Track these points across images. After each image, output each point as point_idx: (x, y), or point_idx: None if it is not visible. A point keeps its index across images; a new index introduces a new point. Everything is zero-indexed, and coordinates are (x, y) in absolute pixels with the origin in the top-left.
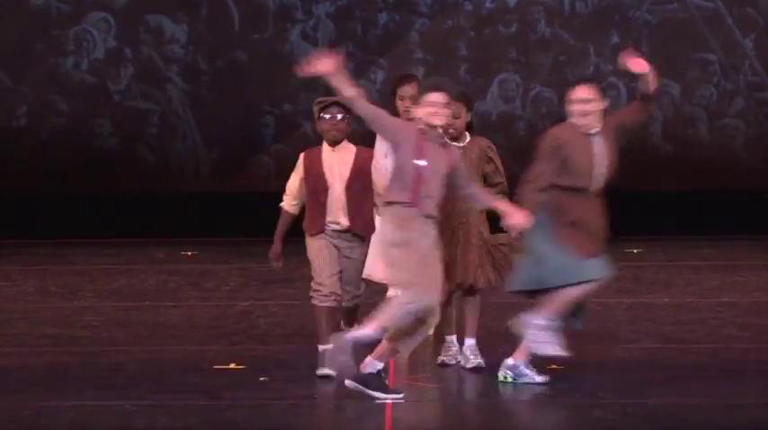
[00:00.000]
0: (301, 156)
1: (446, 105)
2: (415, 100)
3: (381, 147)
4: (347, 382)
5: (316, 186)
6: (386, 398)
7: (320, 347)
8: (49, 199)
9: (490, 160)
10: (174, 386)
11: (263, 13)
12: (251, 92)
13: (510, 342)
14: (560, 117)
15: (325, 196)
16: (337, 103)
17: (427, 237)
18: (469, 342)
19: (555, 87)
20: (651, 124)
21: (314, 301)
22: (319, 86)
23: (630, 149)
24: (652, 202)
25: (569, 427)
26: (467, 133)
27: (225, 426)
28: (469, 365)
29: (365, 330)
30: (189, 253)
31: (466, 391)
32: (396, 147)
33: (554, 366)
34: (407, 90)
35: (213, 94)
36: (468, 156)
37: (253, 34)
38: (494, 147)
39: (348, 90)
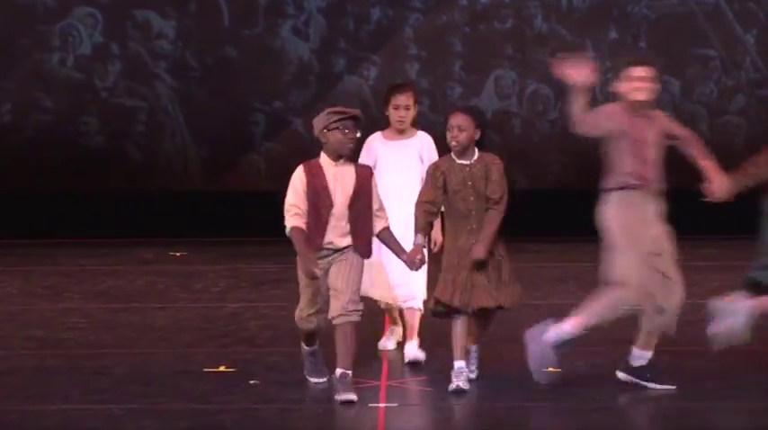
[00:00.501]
0: (300, 169)
1: (651, 80)
2: (410, 108)
3: (370, 159)
4: (620, 375)
5: (318, 202)
6: (661, 389)
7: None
8: (33, 198)
9: (489, 177)
10: (163, 389)
11: (253, 9)
12: (241, 89)
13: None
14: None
15: (329, 213)
16: (355, 118)
17: (655, 214)
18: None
19: (552, 84)
20: None
21: (297, 323)
22: (310, 84)
23: None
24: None
25: None
26: (475, 149)
27: None
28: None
29: (566, 328)
30: (178, 253)
31: (461, 395)
32: (610, 135)
33: (551, 369)
34: (402, 99)
35: (202, 91)
36: (474, 176)
37: (243, 30)
38: (499, 163)
39: (581, 107)
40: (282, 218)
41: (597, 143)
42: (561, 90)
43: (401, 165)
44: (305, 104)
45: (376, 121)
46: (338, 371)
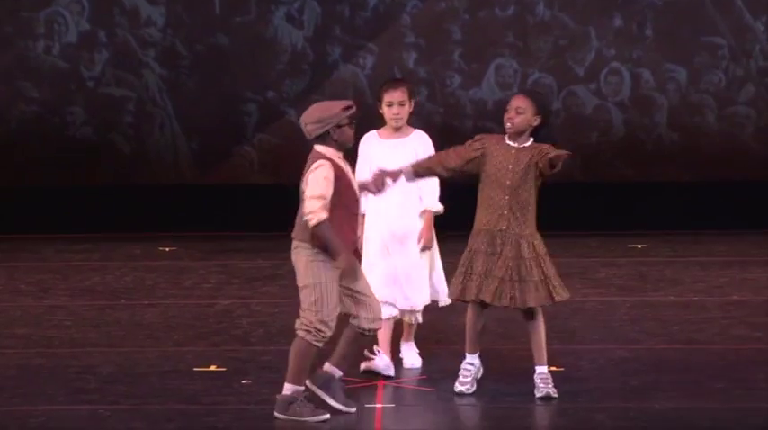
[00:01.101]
0: (329, 164)
1: None
2: (405, 104)
3: (366, 158)
4: None
5: (348, 198)
6: None
7: (301, 387)
8: (18, 191)
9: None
10: (151, 389)
11: None
12: (233, 78)
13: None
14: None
15: (357, 207)
16: None
17: None
18: (540, 369)
19: (554, 73)
20: (656, 112)
21: (311, 340)
22: (304, 73)
23: (634, 139)
24: (657, 195)
25: None
26: (531, 138)
27: None
28: (539, 394)
29: None
30: (167, 248)
31: (463, 395)
32: None
33: (553, 368)
34: (396, 95)
35: (193, 81)
36: (519, 160)
37: (234, 17)
38: (545, 150)
39: None
40: (281, 212)
41: (600, 136)
42: (564, 79)
43: (398, 164)
44: (299, 94)
45: (371, 110)
46: (331, 368)
